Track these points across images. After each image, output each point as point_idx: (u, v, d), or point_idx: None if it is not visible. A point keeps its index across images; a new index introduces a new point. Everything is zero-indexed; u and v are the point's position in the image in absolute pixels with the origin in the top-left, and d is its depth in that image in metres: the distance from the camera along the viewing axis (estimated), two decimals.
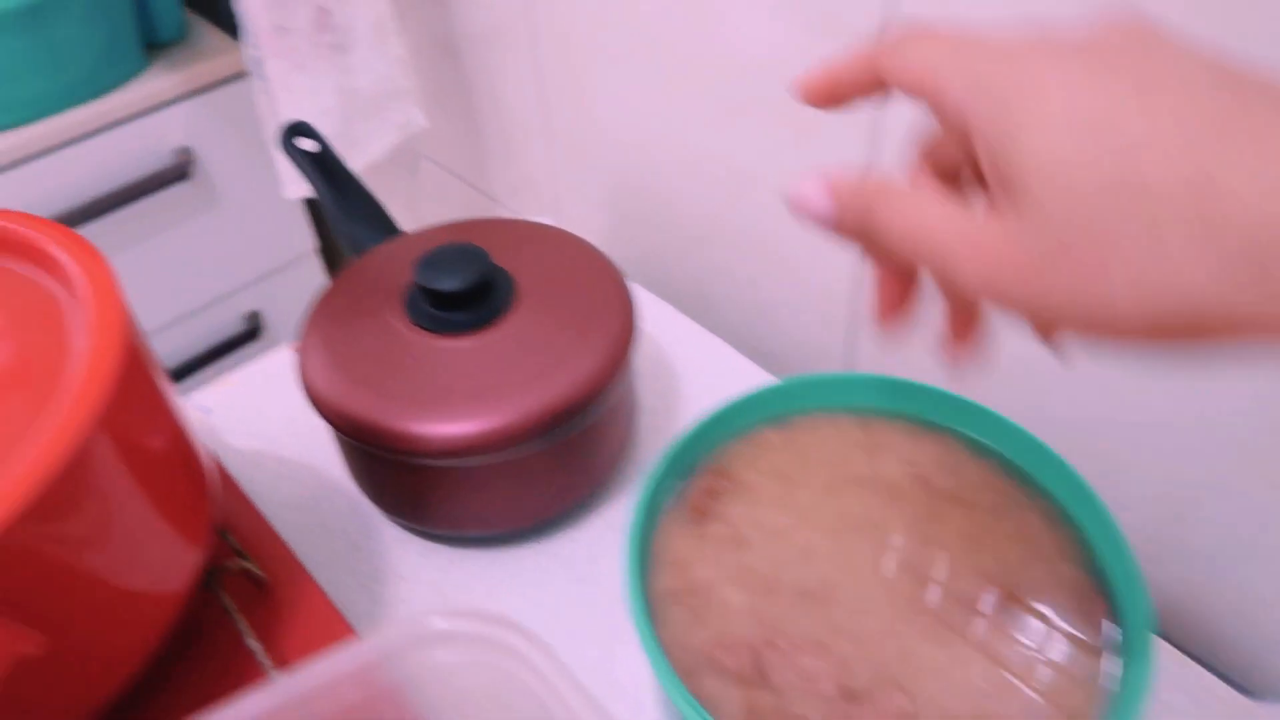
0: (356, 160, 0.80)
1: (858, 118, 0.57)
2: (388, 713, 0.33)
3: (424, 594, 0.55)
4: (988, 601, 0.42)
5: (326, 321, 0.56)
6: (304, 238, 1.27)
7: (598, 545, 0.57)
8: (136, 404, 0.38)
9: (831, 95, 0.29)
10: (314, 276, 1.31)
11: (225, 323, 1.26)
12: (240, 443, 0.64)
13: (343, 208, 0.64)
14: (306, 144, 0.64)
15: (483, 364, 0.51)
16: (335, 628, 0.45)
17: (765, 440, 0.49)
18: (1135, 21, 0.23)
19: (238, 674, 0.42)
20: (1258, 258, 0.19)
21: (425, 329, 0.53)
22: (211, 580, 0.43)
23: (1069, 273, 0.21)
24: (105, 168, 1.05)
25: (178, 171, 1.08)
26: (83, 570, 0.35)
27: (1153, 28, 0.22)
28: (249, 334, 1.27)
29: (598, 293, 0.56)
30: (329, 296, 0.58)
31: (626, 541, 0.44)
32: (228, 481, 0.52)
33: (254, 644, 0.40)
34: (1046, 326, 0.25)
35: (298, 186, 0.82)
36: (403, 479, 0.53)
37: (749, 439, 0.49)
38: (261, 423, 0.66)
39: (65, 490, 0.33)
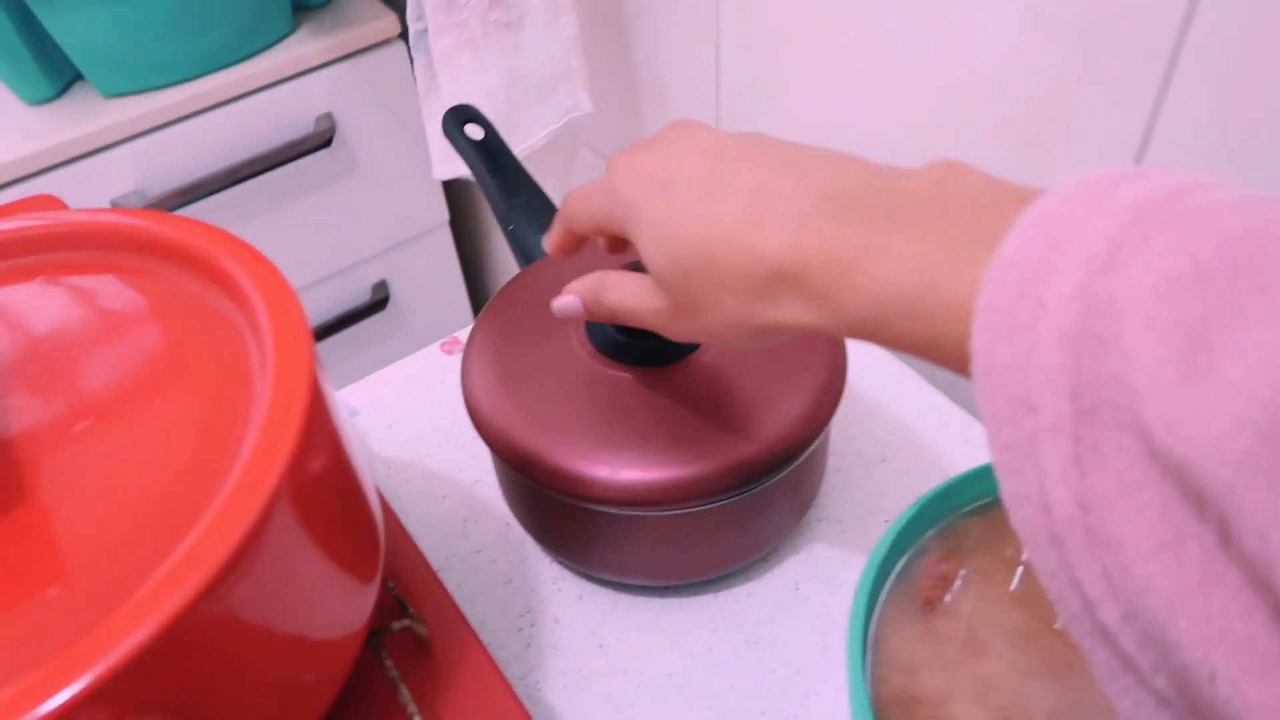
0: (517, 145, 0.74)
1: (1097, 136, 0.49)
2: None
3: (580, 641, 0.50)
4: None
5: (496, 335, 0.50)
6: (439, 210, 1.23)
7: (775, 604, 0.51)
8: (318, 455, 0.33)
9: (571, 250, 0.43)
10: (445, 249, 1.28)
11: (353, 292, 1.23)
12: (387, 451, 0.60)
13: (505, 199, 0.58)
14: (473, 130, 0.59)
15: (674, 402, 0.45)
16: (498, 694, 0.40)
17: (1004, 518, 0.42)
18: (682, 131, 0.35)
19: None
20: (761, 290, 0.30)
21: (609, 357, 0.47)
22: (373, 641, 0.38)
23: (685, 319, 0.34)
24: (248, 133, 1.02)
25: (320, 138, 1.04)
26: (245, 656, 0.31)
27: (687, 131, 0.35)
28: (376, 305, 1.24)
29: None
30: (498, 306, 0.52)
31: (847, 634, 0.37)
32: (385, 510, 0.48)
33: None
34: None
35: (450, 167, 0.77)
36: (567, 519, 0.48)
37: (988, 515, 0.42)
38: (409, 429, 0.61)
39: (242, 569, 0.28)
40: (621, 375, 0.46)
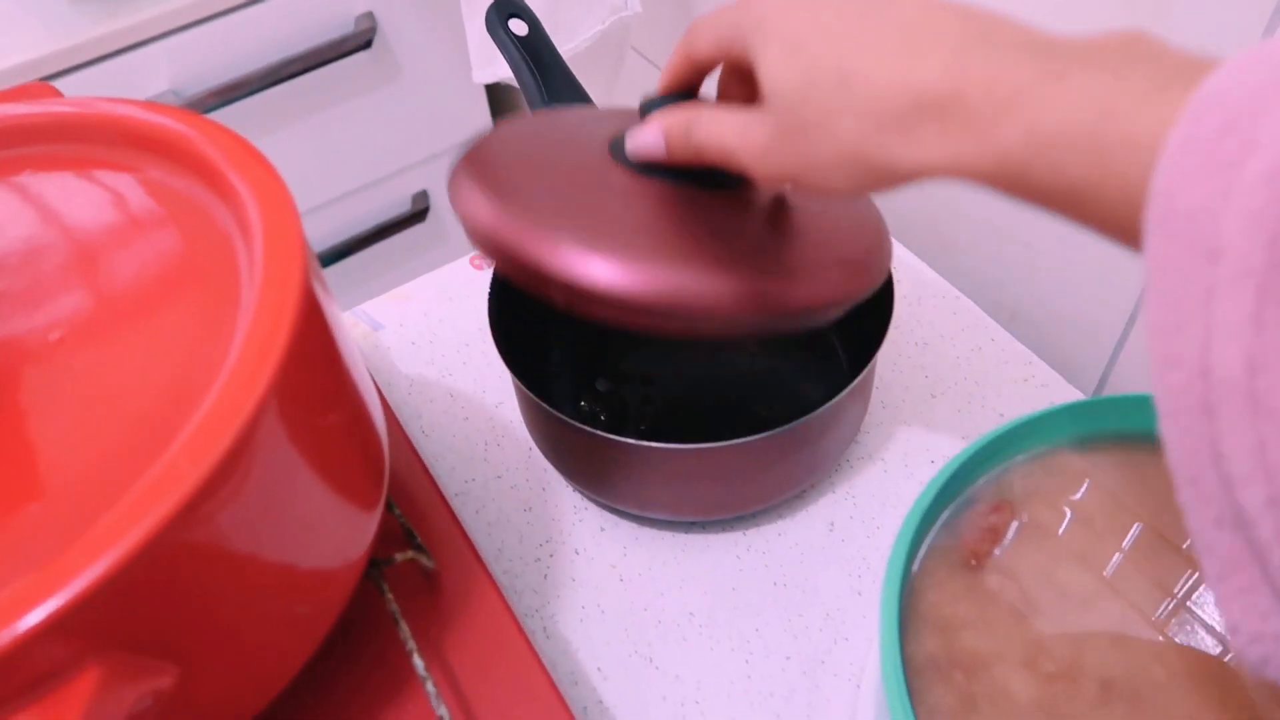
0: (562, 45, 0.70)
1: None
2: None
3: (599, 574, 0.47)
4: None
5: (504, 145, 0.40)
6: (482, 117, 1.19)
7: (808, 545, 0.48)
8: (311, 370, 0.30)
9: (682, 86, 0.37)
10: None
11: (393, 201, 1.20)
12: (409, 368, 0.57)
13: (547, 102, 0.54)
14: (517, 25, 0.54)
15: (709, 220, 0.36)
16: (507, 632, 0.37)
17: (1066, 467, 0.38)
18: None
19: (391, 680, 0.36)
20: (894, 120, 0.27)
21: (635, 170, 0.37)
22: (374, 572, 0.36)
23: (792, 149, 0.30)
24: (287, 31, 0.98)
25: (360, 39, 1.00)
26: (233, 577, 0.28)
27: None
28: (417, 215, 1.21)
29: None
30: (506, 126, 0.43)
31: (883, 587, 0.34)
32: (396, 433, 0.45)
33: (418, 662, 0.33)
34: (799, 189, 0.34)
35: (491, 70, 0.73)
36: (588, 447, 0.45)
37: (1044, 463, 0.38)
38: (434, 347, 0.59)
39: (221, 490, 0.26)
40: (650, 185, 0.37)
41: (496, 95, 1.22)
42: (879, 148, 0.27)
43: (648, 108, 0.37)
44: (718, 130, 0.32)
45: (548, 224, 0.34)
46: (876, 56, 0.27)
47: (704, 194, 0.37)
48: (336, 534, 0.33)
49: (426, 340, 0.59)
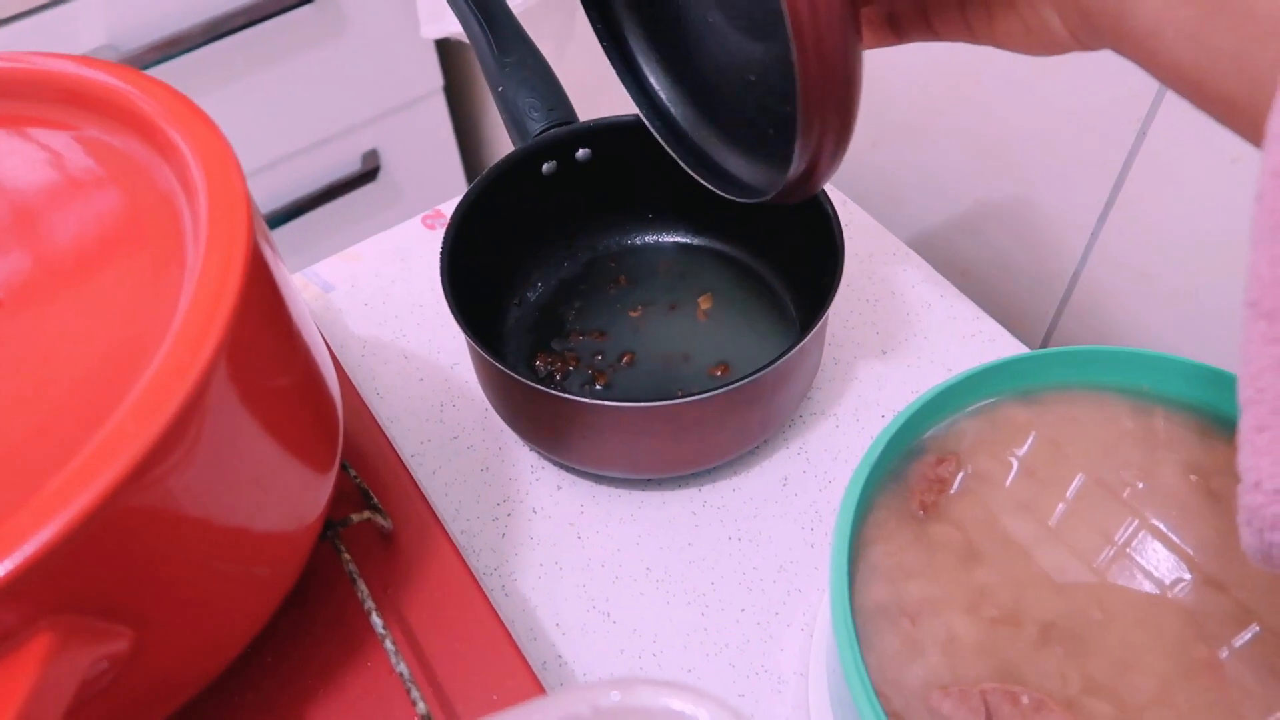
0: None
1: None
2: None
3: (557, 532, 0.48)
4: None
5: None
6: (433, 75, 1.17)
7: (762, 499, 0.48)
8: (260, 329, 0.30)
9: None
10: (439, 118, 1.22)
11: (343, 161, 1.18)
12: (362, 329, 0.57)
13: (497, 57, 0.53)
14: None
15: None
16: (465, 590, 0.38)
17: (1009, 419, 0.39)
18: None
19: (350, 639, 0.36)
20: None
21: None
22: (330, 533, 0.36)
23: None
24: None
25: None
26: (186, 541, 0.28)
27: None
28: (367, 174, 1.19)
29: None
30: None
31: (833, 538, 0.35)
32: (350, 394, 0.45)
33: (376, 620, 0.34)
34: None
35: (440, 25, 0.71)
36: (542, 408, 0.45)
37: (989, 416, 0.39)
38: (387, 307, 0.58)
39: (172, 450, 0.26)
40: None
41: (447, 51, 1.20)
42: None
43: None
44: None
45: None
46: None
47: None
48: (291, 496, 0.33)
49: (379, 301, 0.59)
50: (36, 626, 0.24)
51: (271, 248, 0.33)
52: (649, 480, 0.49)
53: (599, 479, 0.49)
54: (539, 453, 0.50)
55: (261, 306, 0.31)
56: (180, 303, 0.29)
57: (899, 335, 0.54)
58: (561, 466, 0.50)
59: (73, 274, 0.31)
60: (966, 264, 0.61)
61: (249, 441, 0.31)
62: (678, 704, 0.24)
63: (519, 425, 0.49)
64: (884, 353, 0.54)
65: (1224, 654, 0.33)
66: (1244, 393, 0.21)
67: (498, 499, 0.49)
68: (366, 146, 1.19)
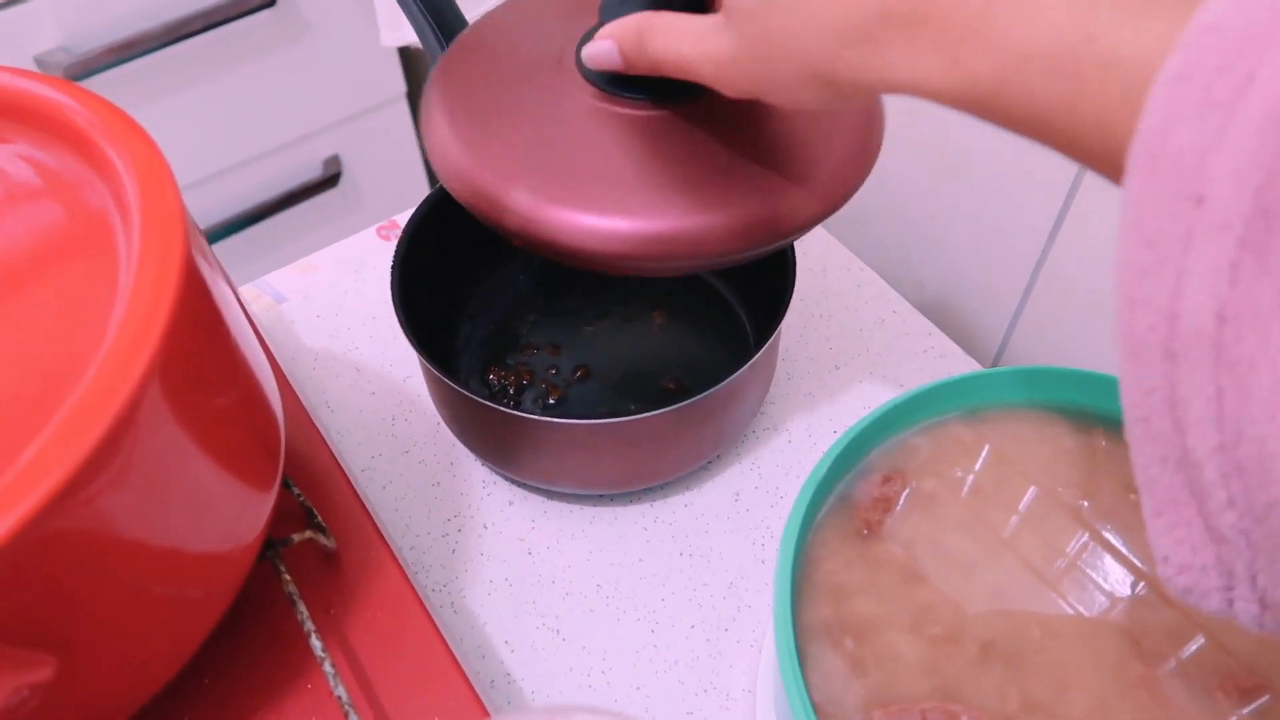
0: (470, 11, 0.68)
1: None
2: None
3: (507, 548, 0.47)
4: (1232, 695, 0.33)
5: (463, 70, 0.40)
6: (395, 81, 1.16)
7: (713, 515, 0.48)
8: (195, 346, 0.29)
9: None
10: (402, 124, 1.21)
11: (303, 166, 1.17)
12: (314, 341, 0.56)
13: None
14: None
15: (679, 146, 0.36)
16: (410, 611, 0.37)
17: (955, 438, 0.39)
18: None
19: (289, 661, 0.36)
20: (860, 34, 0.25)
21: (599, 88, 0.37)
22: (270, 553, 0.35)
23: (753, 65, 0.29)
24: None
25: None
26: (114, 564, 0.28)
27: None
28: (328, 181, 1.18)
29: None
30: (464, 43, 0.42)
31: (778, 556, 0.35)
32: (295, 410, 0.44)
33: (315, 643, 0.33)
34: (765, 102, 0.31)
35: (400, 33, 0.71)
36: (494, 424, 0.45)
37: (935, 434, 0.40)
38: (340, 319, 0.57)
39: (101, 474, 0.25)
40: (609, 109, 0.37)
41: (410, 57, 1.19)
42: (843, 63, 0.26)
43: (607, 8, 0.35)
44: (673, 40, 0.31)
45: (521, 175, 0.35)
46: None
47: (671, 112, 0.36)
48: (228, 516, 0.33)
49: (332, 313, 0.58)
50: None
51: (210, 264, 0.32)
52: (601, 496, 0.49)
53: (550, 494, 0.49)
54: (490, 468, 0.50)
55: (197, 325, 0.30)
56: (111, 322, 0.28)
57: (852, 350, 0.55)
58: (513, 482, 0.50)
59: (0, 291, 0.30)
60: (920, 280, 0.61)
61: (183, 462, 0.30)
62: None
63: (470, 440, 0.49)
64: (837, 368, 0.54)
65: (1160, 672, 0.34)
66: (1139, 478, 0.21)
67: (448, 514, 0.49)
68: (328, 153, 1.18)
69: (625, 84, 0.36)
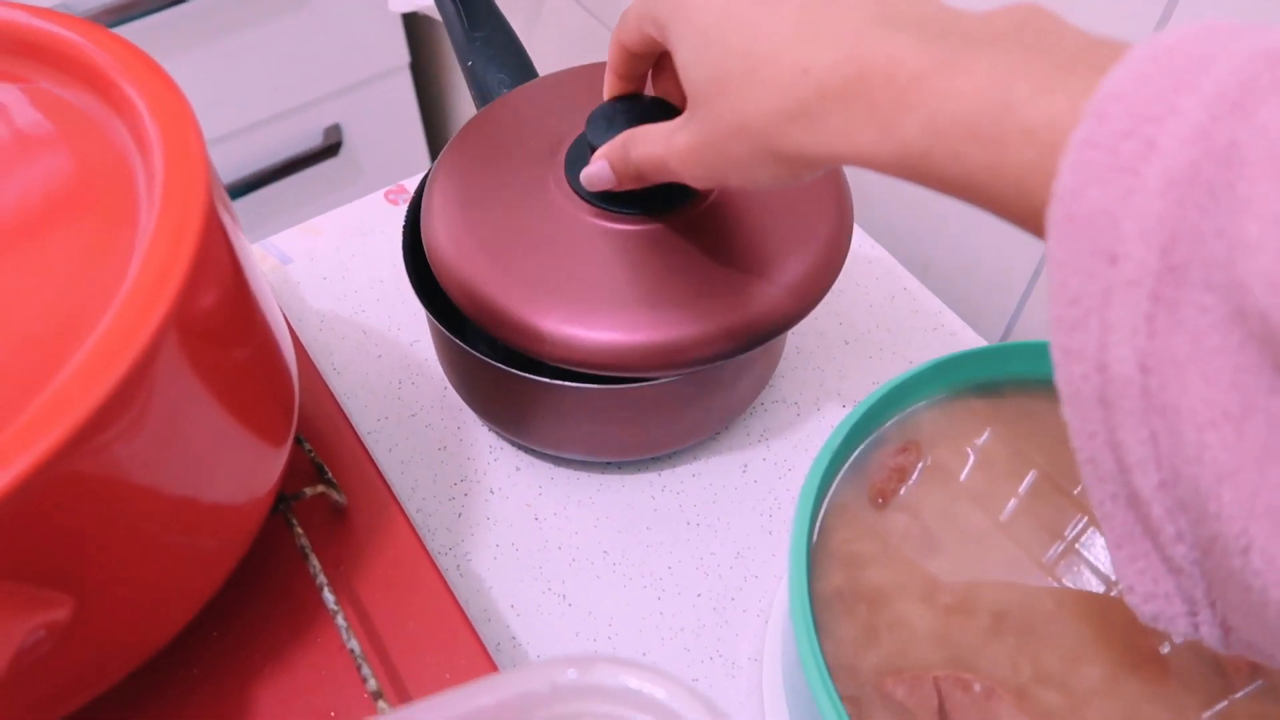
0: None
1: None
2: None
3: (514, 513, 0.47)
4: (1244, 672, 0.33)
5: (462, 171, 0.44)
6: (398, 51, 1.15)
7: (721, 486, 0.48)
8: (214, 294, 0.29)
9: (629, 86, 0.38)
10: (404, 95, 1.20)
11: (304, 135, 1.16)
12: (320, 303, 0.56)
13: (466, 30, 0.52)
14: None
15: (663, 258, 0.40)
16: (419, 566, 0.37)
17: (969, 411, 0.39)
18: None
19: (300, 615, 0.35)
20: (800, 110, 0.26)
21: (590, 203, 0.41)
22: (282, 507, 0.35)
23: (711, 152, 0.30)
24: None
25: None
26: (132, 510, 0.27)
27: None
28: (328, 150, 1.17)
29: (808, 186, 0.44)
30: (466, 138, 0.46)
31: (793, 524, 0.35)
32: (306, 367, 0.44)
33: (328, 596, 0.33)
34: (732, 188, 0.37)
35: (405, 1, 0.70)
36: (503, 387, 0.44)
37: (949, 408, 0.40)
38: (345, 282, 0.57)
39: (118, 417, 0.25)
40: (600, 224, 0.41)
41: (414, 27, 1.18)
42: (790, 139, 0.27)
43: (591, 125, 0.39)
44: (648, 146, 0.33)
45: (520, 288, 0.39)
46: (776, 46, 0.27)
47: (658, 224, 0.41)
48: (243, 468, 0.32)
49: (338, 276, 0.57)
50: None
51: (230, 214, 0.32)
52: (608, 463, 0.49)
53: (558, 461, 0.49)
54: (498, 433, 0.50)
55: (217, 272, 0.30)
56: (132, 264, 0.28)
57: (861, 326, 0.55)
58: (520, 447, 0.50)
59: (20, 232, 0.30)
60: (928, 259, 0.61)
61: (199, 411, 0.30)
62: (635, 682, 0.24)
63: (478, 404, 0.48)
64: (846, 343, 0.54)
65: (1170, 646, 0.34)
66: (1097, 513, 0.22)
67: (455, 478, 0.49)
68: (329, 121, 1.17)
69: (615, 200, 0.40)
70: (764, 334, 0.40)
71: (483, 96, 0.52)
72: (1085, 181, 0.20)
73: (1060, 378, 0.21)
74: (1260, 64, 0.19)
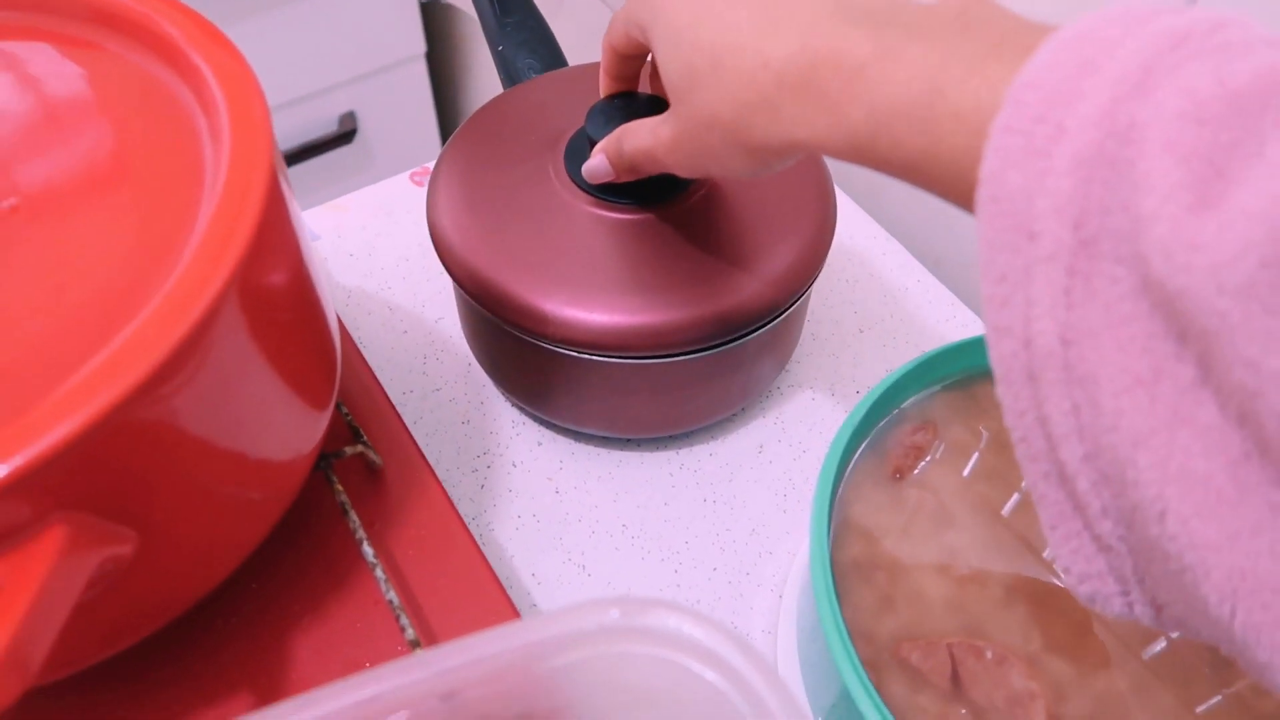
0: None
1: None
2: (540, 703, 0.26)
3: (535, 486, 0.49)
4: None
5: (467, 160, 0.47)
6: (415, 39, 1.16)
7: (737, 465, 0.50)
8: (274, 257, 0.30)
9: (621, 86, 0.41)
10: (419, 83, 1.21)
11: (319, 121, 1.17)
12: (347, 279, 0.57)
13: (497, 15, 0.54)
14: None
15: (654, 246, 0.43)
16: (449, 525, 0.39)
17: (984, 393, 0.41)
18: None
19: (337, 569, 0.37)
20: (761, 100, 0.28)
21: (588, 193, 0.44)
22: (323, 464, 0.36)
23: (690, 143, 0.32)
24: None
25: None
26: (184, 474, 0.29)
27: None
28: (343, 136, 1.19)
29: (795, 175, 0.46)
30: (472, 129, 0.48)
31: (815, 495, 0.36)
32: (343, 335, 0.45)
33: (367, 550, 0.34)
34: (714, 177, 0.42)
35: None
36: (527, 362, 0.46)
37: (965, 390, 0.41)
38: (372, 259, 0.58)
39: (183, 368, 0.26)
40: (602, 214, 0.43)
41: (432, 16, 1.19)
42: (756, 128, 0.29)
43: (590, 120, 0.41)
44: (638, 139, 0.35)
45: (524, 273, 0.42)
46: (739, 40, 0.29)
47: (657, 215, 0.43)
48: (291, 425, 0.34)
49: (365, 253, 0.59)
50: (51, 520, 0.24)
51: (285, 179, 0.33)
52: (628, 441, 0.50)
53: (579, 437, 0.50)
54: (520, 408, 0.51)
55: (277, 233, 0.31)
56: (199, 221, 0.29)
57: (876, 315, 0.56)
58: (542, 423, 0.51)
59: (90, 186, 0.31)
60: (940, 254, 0.63)
61: (255, 367, 0.31)
62: (675, 623, 0.25)
63: (502, 377, 0.50)
64: (861, 332, 0.55)
65: None
66: (1033, 495, 0.23)
67: (478, 451, 0.50)
68: (344, 108, 1.18)
69: (612, 191, 0.43)
70: (752, 319, 0.42)
71: (511, 81, 0.54)
72: (1005, 164, 0.21)
73: (993, 357, 0.22)
74: (1164, 44, 0.20)
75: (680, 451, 0.50)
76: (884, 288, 0.57)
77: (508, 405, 0.52)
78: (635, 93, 0.42)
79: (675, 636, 0.25)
